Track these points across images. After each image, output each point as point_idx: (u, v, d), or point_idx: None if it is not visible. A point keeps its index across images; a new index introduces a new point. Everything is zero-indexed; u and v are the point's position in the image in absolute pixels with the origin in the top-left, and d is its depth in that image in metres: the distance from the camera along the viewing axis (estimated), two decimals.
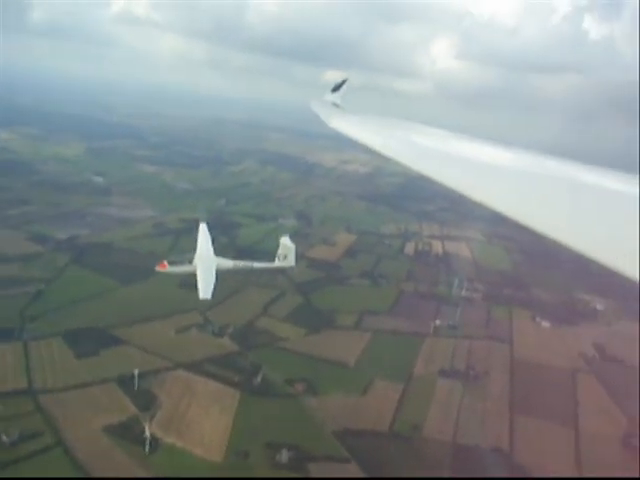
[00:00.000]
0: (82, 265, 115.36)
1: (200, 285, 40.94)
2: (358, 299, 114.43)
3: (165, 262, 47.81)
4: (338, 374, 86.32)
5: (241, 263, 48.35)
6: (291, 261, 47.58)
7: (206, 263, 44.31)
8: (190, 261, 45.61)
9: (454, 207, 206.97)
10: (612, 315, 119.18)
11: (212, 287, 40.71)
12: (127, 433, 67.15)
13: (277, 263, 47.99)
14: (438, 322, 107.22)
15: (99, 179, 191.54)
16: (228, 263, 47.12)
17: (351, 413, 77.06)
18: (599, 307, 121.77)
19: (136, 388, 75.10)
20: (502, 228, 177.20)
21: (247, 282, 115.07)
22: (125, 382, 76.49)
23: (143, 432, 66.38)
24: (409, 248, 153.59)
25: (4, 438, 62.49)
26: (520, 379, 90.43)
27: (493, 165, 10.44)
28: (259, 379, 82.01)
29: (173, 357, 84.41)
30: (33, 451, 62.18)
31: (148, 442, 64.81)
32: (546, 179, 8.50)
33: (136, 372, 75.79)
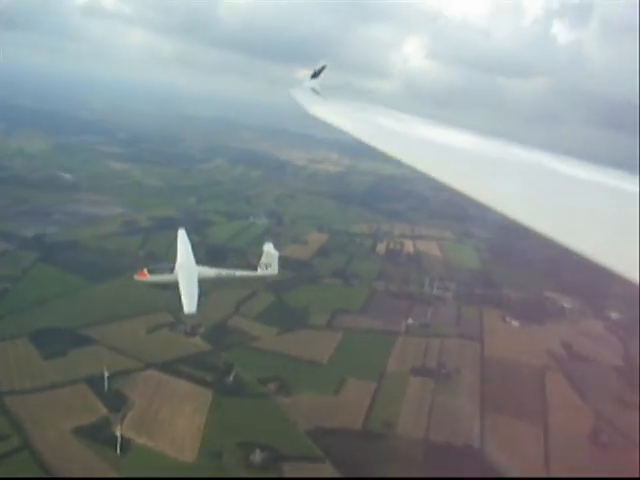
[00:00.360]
0: (50, 263, 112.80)
1: (184, 299, 39.74)
2: (330, 298, 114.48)
3: (145, 271, 46.36)
4: (311, 373, 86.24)
5: (224, 272, 47.47)
6: (274, 269, 46.70)
7: (188, 272, 43.26)
8: (171, 270, 44.51)
9: (424, 206, 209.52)
10: (579, 313, 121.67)
11: (196, 300, 39.68)
12: (98, 435, 65.91)
13: (260, 272, 47.17)
14: (410, 321, 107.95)
15: (67, 176, 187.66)
16: (210, 272, 45.77)
17: (324, 412, 77.03)
18: (566, 305, 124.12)
19: (106, 389, 73.74)
20: (472, 227, 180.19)
21: (218, 281, 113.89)
22: (95, 383, 75.03)
23: (114, 434, 65.26)
24: (381, 247, 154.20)
25: None
26: (490, 377, 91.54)
27: (471, 152, 10.58)
28: (231, 378, 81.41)
29: (144, 357, 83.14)
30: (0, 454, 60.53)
31: (119, 443, 63.69)
32: (514, 164, 8.81)
33: (106, 372, 74.35)
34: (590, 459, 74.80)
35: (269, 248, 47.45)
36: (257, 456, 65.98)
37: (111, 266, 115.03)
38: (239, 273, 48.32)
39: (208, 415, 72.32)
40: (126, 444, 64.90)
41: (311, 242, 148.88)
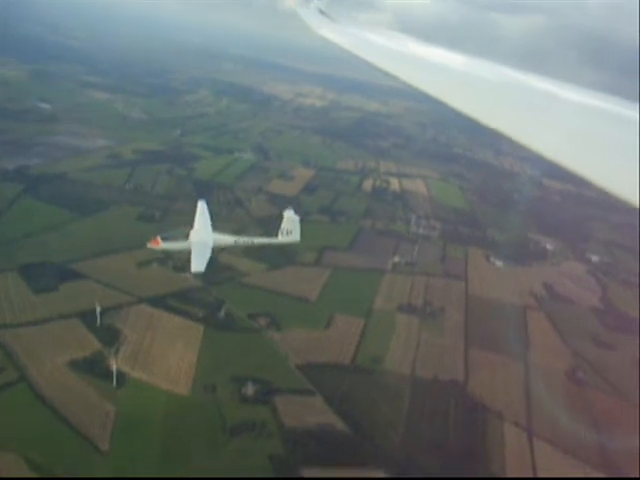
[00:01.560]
0: (35, 197, 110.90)
1: (193, 258, 38.31)
2: (318, 235, 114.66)
3: (158, 238, 44.69)
4: (300, 309, 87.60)
5: (242, 239, 45.62)
6: (296, 237, 44.14)
7: (203, 239, 41.82)
8: (186, 237, 43.03)
9: (410, 144, 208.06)
10: (560, 255, 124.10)
11: (206, 261, 38.23)
12: (93, 368, 66.77)
13: (281, 239, 44.27)
14: (396, 259, 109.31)
15: (46, 106, 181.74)
16: (228, 239, 43.89)
17: (314, 347, 78.80)
18: (549, 247, 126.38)
19: (99, 323, 74.25)
20: (457, 166, 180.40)
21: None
22: (87, 317, 75.43)
23: (109, 367, 66.22)
24: (367, 185, 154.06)
25: None
26: (474, 315, 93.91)
27: (471, 73, 10.71)
28: (222, 313, 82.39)
29: (135, 292, 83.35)
30: None
31: (115, 376, 64.74)
32: (507, 86, 9.04)
33: (98, 307, 74.72)
34: (567, 395, 78.26)
35: (290, 214, 45.76)
36: (249, 389, 67.70)
37: (97, 199, 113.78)
38: (258, 240, 46.95)
39: (200, 349, 73.47)
40: (121, 377, 65.96)
41: (297, 178, 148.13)
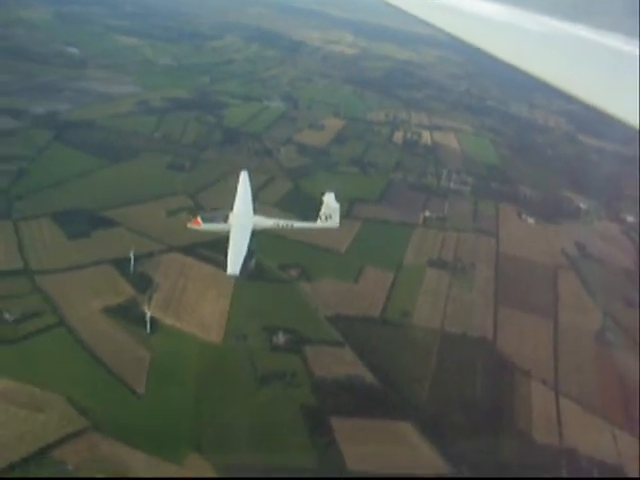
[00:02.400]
0: (65, 143, 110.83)
1: (229, 259, 38.49)
2: (347, 187, 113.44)
3: (199, 219, 45.26)
4: (330, 261, 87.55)
5: (281, 222, 47.15)
6: (335, 221, 45.22)
7: (242, 226, 42.21)
8: (225, 219, 43.59)
9: (442, 96, 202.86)
10: (594, 214, 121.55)
11: (241, 261, 38.83)
12: (127, 314, 67.91)
13: (320, 223, 45.66)
14: (427, 213, 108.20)
15: (73, 50, 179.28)
16: (267, 222, 45.62)
17: (343, 299, 79.11)
18: (582, 206, 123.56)
19: (132, 270, 75.19)
20: (490, 120, 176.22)
21: (235, 165, 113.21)
22: (120, 264, 76.36)
23: (142, 314, 67.36)
24: (397, 137, 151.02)
25: (7, 316, 62.88)
26: (504, 272, 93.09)
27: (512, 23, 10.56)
28: (253, 264, 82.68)
29: (166, 240, 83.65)
30: (37, 330, 62.83)
31: (149, 323, 65.93)
32: (545, 35, 8.72)
33: (132, 254, 75.53)
34: (595, 356, 78.05)
35: (330, 199, 45.54)
36: (280, 338, 68.56)
37: (127, 147, 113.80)
38: (297, 224, 47.90)
39: (232, 299, 74.12)
40: (155, 324, 67.14)
41: (327, 128, 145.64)
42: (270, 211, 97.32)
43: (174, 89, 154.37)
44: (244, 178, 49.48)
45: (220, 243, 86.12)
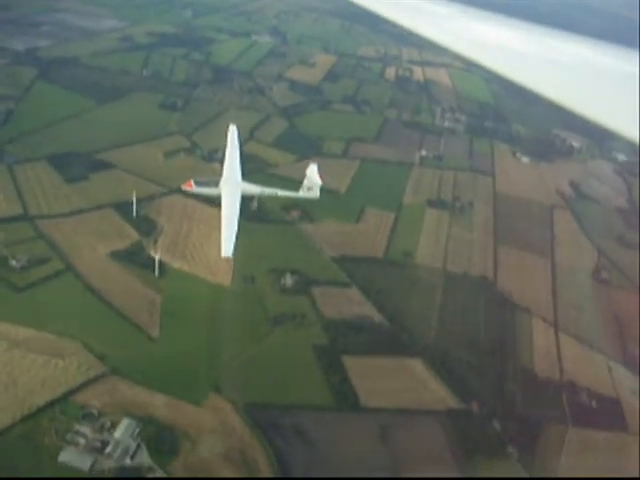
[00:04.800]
0: (50, 82, 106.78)
1: (223, 239, 42.78)
2: (343, 126, 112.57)
3: (192, 181, 51.74)
4: (331, 201, 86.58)
5: (267, 190, 54.34)
6: (316, 193, 51.74)
7: (232, 190, 48.43)
8: (216, 183, 49.98)
9: None
10: (587, 153, 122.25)
11: (233, 242, 43.39)
12: (134, 258, 67.52)
13: (301, 193, 52.46)
14: (423, 152, 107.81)
15: None
16: (254, 189, 52.34)
17: (347, 240, 79.55)
18: (575, 144, 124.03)
19: (135, 214, 74.15)
20: None
21: (229, 104, 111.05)
22: (122, 208, 75.23)
23: (149, 257, 66.90)
24: (389, 73, 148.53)
25: (14, 263, 61.96)
26: (502, 211, 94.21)
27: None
28: (255, 205, 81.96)
29: (166, 182, 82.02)
30: (45, 276, 62.12)
31: (157, 266, 65.58)
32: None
33: (134, 198, 74.22)
34: (592, 294, 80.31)
35: (312, 172, 50.24)
36: (288, 280, 68.91)
37: (116, 86, 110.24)
38: (281, 192, 54.87)
39: (237, 241, 73.64)
40: (162, 267, 66.78)
41: (318, 64, 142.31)
42: (268, 151, 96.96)
43: (157, 24, 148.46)
44: (232, 133, 51.63)
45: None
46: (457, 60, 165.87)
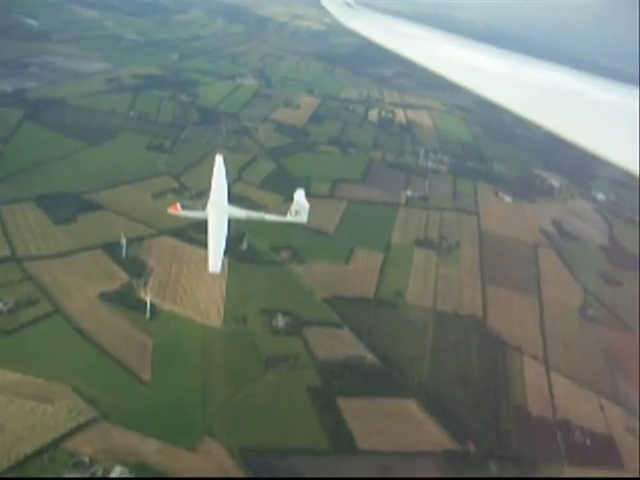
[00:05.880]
0: (38, 123, 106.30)
1: (210, 257, 40.87)
2: (329, 167, 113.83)
3: (178, 205, 48.60)
4: (320, 242, 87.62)
5: (254, 214, 51.09)
6: (303, 218, 49.36)
7: (219, 214, 44.84)
8: (203, 206, 46.32)
9: (411, 73, 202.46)
10: (567, 192, 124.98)
11: (221, 258, 41.06)
12: (124, 300, 66.69)
13: (289, 218, 49.78)
14: (409, 192, 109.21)
15: (33, 22, 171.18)
16: (240, 213, 48.90)
17: (337, 280, 79.60)
18: (555, 184, 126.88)
19: (124, 255, 73.64)
20: (461, 98, 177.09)
21: (216, 145, 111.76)
22: (111, 249, 74.71)
23: (140, 299, 66.33)
24: (373, 115, 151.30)
25: (1, 305, 60.80)
26: (488, 250, 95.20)
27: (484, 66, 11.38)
28: (245, 246, 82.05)
29: (155, 223, 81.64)
30: (34, 318, 60.99)
31: (149, 308, 64.93)
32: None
33: (123, 239, 73.90)
34: (580, 331, 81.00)
35: (300, 197, 49.46)
36: (280, 321, 68.62)
37: (103, 127, 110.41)
38: (268, 217, 51.55)
39: (228, 281, 73.44)
40: (153, 309, 66.12)
41: (303, 106, 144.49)
42: (256, 192, 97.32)
43: (144, 66, 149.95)
44: (219, 162, 51.46)
45: None
46: (438, 102, 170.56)
